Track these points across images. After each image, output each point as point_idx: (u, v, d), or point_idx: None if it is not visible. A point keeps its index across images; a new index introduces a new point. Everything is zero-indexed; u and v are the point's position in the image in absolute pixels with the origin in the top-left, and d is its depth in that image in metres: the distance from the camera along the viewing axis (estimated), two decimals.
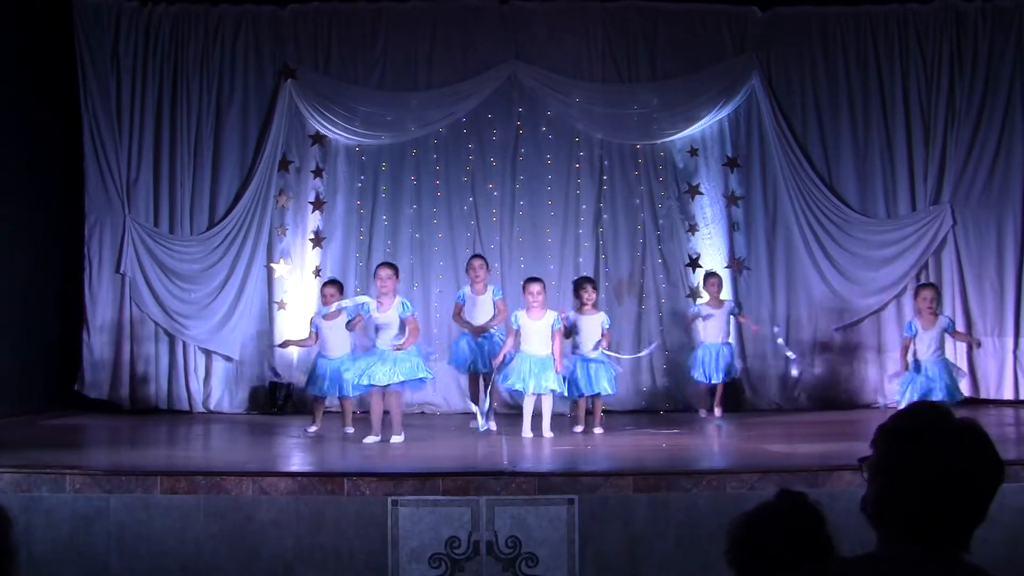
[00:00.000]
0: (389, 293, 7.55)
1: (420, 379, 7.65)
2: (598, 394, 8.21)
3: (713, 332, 9.30)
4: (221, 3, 10.00)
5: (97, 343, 9.70)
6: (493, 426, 8.14)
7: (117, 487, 5.68)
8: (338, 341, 8.15)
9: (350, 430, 8.14)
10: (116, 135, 9.75)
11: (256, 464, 6.34)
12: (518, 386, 7.95)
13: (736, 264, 10.10)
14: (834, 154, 10.04)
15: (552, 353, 7.86)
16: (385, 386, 7.48)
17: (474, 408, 8.26)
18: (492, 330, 8.42)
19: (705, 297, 9.59)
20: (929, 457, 1.92)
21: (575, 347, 8.29)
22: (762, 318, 10.08)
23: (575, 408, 8.41)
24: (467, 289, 8.52)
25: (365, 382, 7.53)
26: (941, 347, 8.49)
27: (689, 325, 9.61)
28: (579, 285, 8.47)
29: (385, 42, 10.08)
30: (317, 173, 10.08)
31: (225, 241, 9.83)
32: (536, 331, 7.94)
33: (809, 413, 9.53)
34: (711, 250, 10.12)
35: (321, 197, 10.08)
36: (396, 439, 7.49)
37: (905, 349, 8.64)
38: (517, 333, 7.95)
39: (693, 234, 10.13)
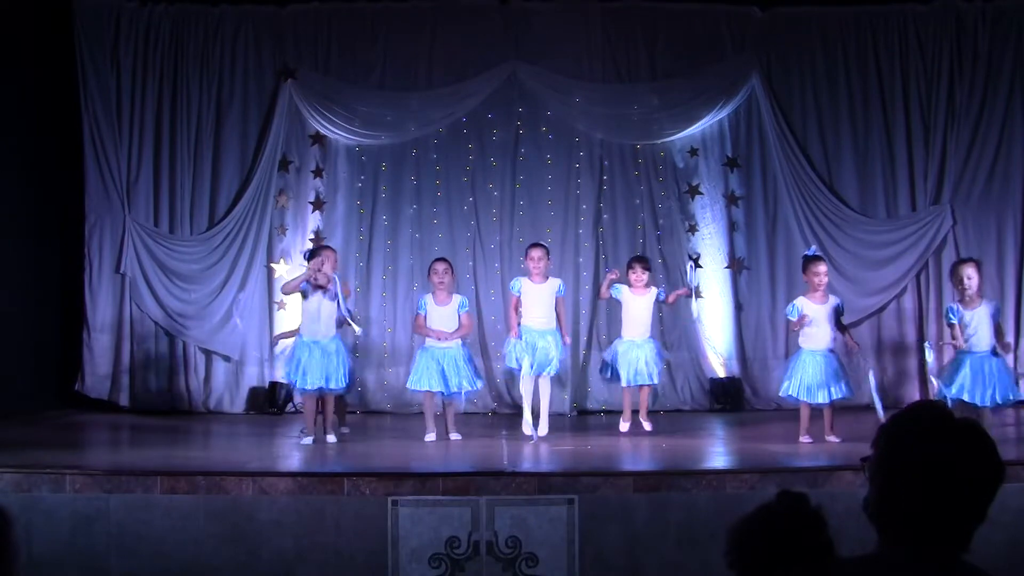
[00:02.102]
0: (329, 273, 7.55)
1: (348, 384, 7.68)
2: (646, 384, 7.94)
3: (818, 335, 7.50)
4: (221, 3, 9.99)
5: (97, 343, 9.69)
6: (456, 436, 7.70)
7: (117, 487, 5.69)
8: None
9: (345, 430, 8.15)
10: (116, 135, 9.74)
11: (256, 464, 6.34)
12: (513, 363, 7.75)
13: (736, 264, 10.10)
14: (834, 154, 10.04)
15: (558, 326, 7.73)
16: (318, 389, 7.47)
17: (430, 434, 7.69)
18: (454, 343, 7.74)
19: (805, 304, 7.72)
20: (930, 458, 1.92)
21: (621, 330, 8.08)
22: (762, 318, 10.09)
23: (625, 400, 8.03)
24: (429, 298, 7.88)
25: (303, 384, 7.44)
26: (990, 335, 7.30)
27: (796, 331, 7.68)
28: (628, 265, 8.23)
29: (385, 42, 10.07)
30: (317, 173, 10.08)
31: (225, 241, 9.83)
32: (538, 298, 7.74)
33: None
34: (711, 250, 10.12)
35: (321, 197, 10.08)
36: (330, 439, 7.48)
37: (952, 340, 7.43)
38: (518, 300, 7.82)
39: (693, 234, 10.12)
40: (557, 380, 8.82)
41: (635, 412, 8.03)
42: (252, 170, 9.91)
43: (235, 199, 9.91)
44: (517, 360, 7.75)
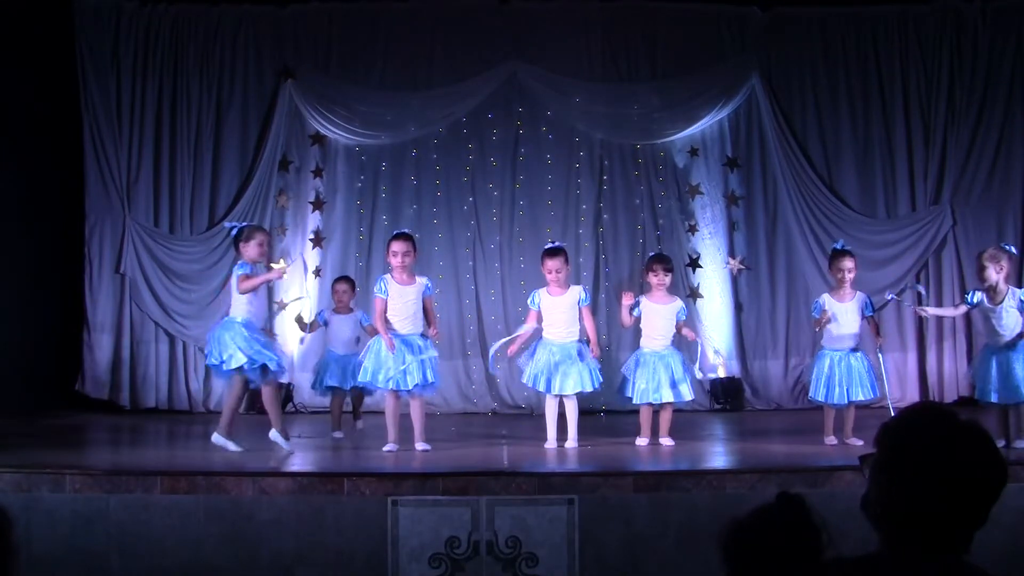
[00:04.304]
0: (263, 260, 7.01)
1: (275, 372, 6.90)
2: (669, 403, 7.18)
3: (842, 334, 7.18)
4: (221, 3, 10.01)
5: (97, 343, 9.70)
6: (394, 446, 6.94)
7: (117, 487, 5.68)
8: (345, 336, 8.16)
9: (360, 424, 8.15)
10: (116, 135, 9.75)
11: (256, 464, 6.33)
12: (540, 386, 7.09)
13: (736, 264, 10.10)
14: (834, 154, 10.04)
15: (583, 337, 7.03)
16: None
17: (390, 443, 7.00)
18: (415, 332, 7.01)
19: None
20: (931, 458, 1.91)
21: (640, 340, 7.37)
22: (762, 318, 10.08)
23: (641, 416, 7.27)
24: (389, 279, 7.04)
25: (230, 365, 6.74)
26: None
27: (818, 329, 7.39)
28: (648, 265, 7.48)
29: (385, 42, 10.08)
30: (317, 173, 10.09)
31: (225, 241, 9.80)
32: (559, 310, 7.08)
33: (809, 413, 9.50)
34: (711, 250, 10.12)
35: (321, 197, 10.08)
36: (230, 447, 6.77)
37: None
38: (538, 315, 7.15)
39: (693, 234, 10.13)
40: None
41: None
42: (252, 170, 9.92)
43: (235, 199, 9.91)
44: (538, 379, 7.10)
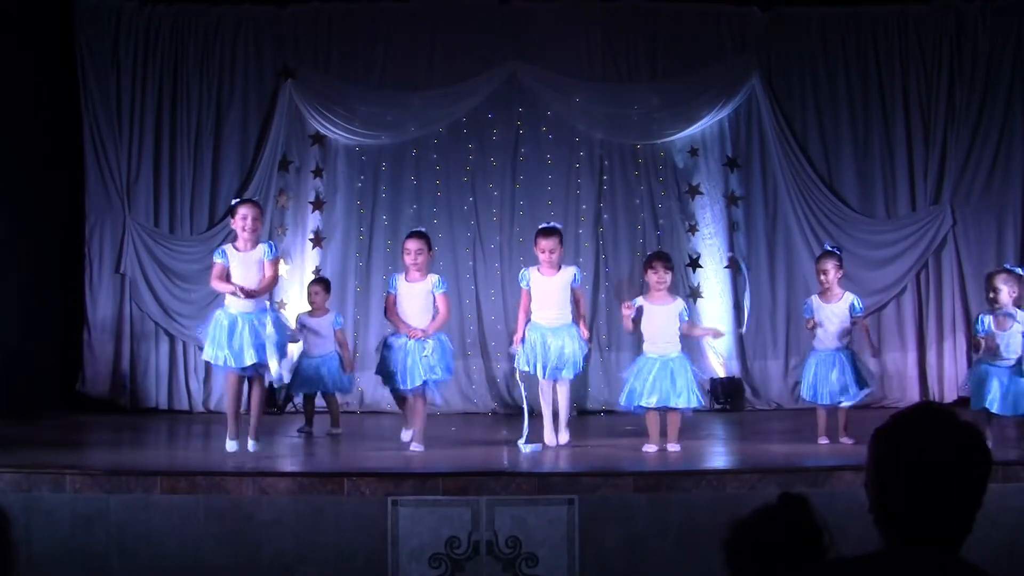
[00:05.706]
0: (251, 236, 6.83)
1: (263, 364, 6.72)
2: (675, 408, 6.89)
3: (826, 335, 7.18)
4: (221, 3, 10.00)
5: (97, 343, 9.70)
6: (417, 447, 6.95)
7: (117, 487, 5.68)
8: (318, 338, 8.17)
9: (337, 430, 8.15)
10: (116, 135, 9.75)
11: (256, 464, 6.33)
12: (527, 368, 6.91)
13: (736, 264, 10.10)
14: (834, 154, 10.04)
15: (575, 320, 6.86)
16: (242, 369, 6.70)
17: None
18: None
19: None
20: (929, 458, 1.92)
21: (642, 342, 7.12)
22: (762, 318, 10.08)
23: (647, 422, 6.99)
24: (400, 277, 7.08)
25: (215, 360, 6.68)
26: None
27: (813, 329, 7.32)
28: (647, 263, 7.17)
29: (385, 42, 10.08)
30: (317, 173, 10.09)
31: (225, 241, 9.83)
32: (550, 290, 6.90)
33: (809, 413, 9.49)
34: (711, 250, 10.12)
35: (321, 197, 10.08)
36: (250, 446, 6.78)
37: (976, 348, 6.82)
38: (528, 294, 6.97)
39: (693, 234, 10.13)
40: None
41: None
42: (252, 170, 9.92)
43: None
44: (531, 363, 6.92)
